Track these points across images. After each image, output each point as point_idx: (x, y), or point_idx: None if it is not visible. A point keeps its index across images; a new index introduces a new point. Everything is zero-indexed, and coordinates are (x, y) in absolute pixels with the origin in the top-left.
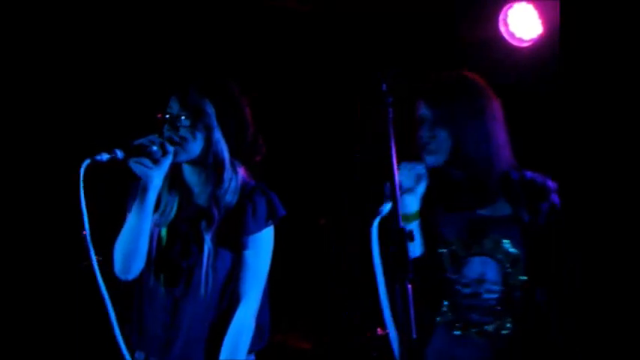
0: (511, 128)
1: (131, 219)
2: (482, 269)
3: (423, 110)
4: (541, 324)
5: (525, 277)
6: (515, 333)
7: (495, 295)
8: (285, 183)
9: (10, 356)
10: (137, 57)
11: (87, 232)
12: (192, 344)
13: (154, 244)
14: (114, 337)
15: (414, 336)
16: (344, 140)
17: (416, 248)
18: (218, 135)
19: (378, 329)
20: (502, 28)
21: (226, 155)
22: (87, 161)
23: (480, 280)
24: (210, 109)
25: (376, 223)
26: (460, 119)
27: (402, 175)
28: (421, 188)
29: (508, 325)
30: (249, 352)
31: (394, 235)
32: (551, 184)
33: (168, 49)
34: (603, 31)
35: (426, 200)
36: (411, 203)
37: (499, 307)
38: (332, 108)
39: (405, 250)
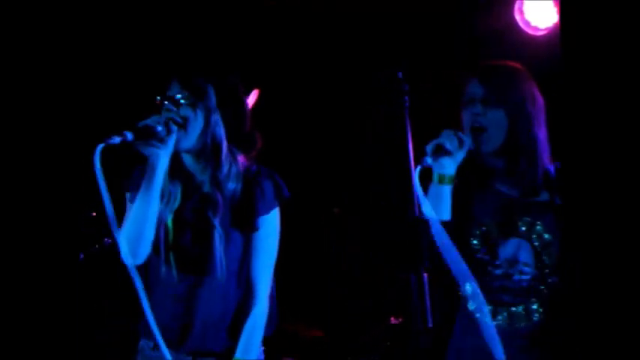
0: None
1: (138, 201)
2: (515, 251)
3: (477, 89)
4: (567, 315)
5: (558, 263)
6: (544, 318)
7: (527, 277)
8: (295, 176)
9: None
10: (130, 52)
11: (110, 214)
12: (209, 331)
13: (162, 234)
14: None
15: (430, 325)
16: (345, 139)
17: (445, 212)
18: (217, 117)
19: (392, 318)
20: (517, 17)
21: (224, 138)
22: (100, 145)
23: (513, 262)
24: (211, 92)
25: (418, 170)
26: (517, 100)
27: (444, 137)
28: (460, 156)
29: (536, 307)
30: None
31: (411, 224)
32: None
33: (169, 45)
34: (604, 27)
35: (463, 179)
36: (449, 166)
37: (530, 289)
38: (335, 105)
39: (421, 239)
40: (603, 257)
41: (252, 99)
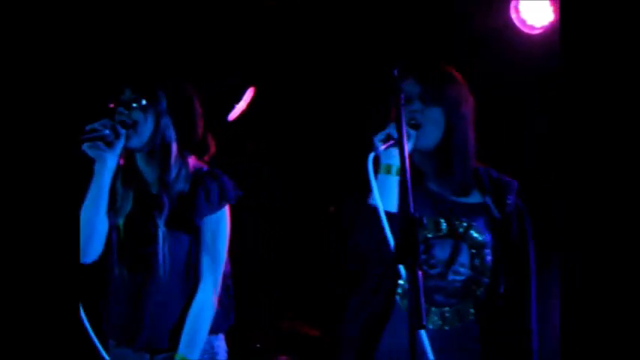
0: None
1: (86, 203)
2: (451, 251)
3: (414, 87)
4: (500, 315)
5: (491, 265)
6: (477, 320)
7: (461, 278)
8: (295, 176)
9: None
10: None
11: None
12: (158, 329)
13: (114, 236)
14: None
15: (424, 322)
16: (344, 139)
17: (391, 204)
18: (167, 121)
19: None
20: (513, 16)
21: (173, 141)
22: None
23: (449, 262)
24: (162, 97)
25: (371, 157)
26: (453, 99)
27: (392, 128)
28: (408, 146)
29: (469, 309)
30: (216, 332)
31: (404, 223)
32: (515, 183)
33: (166, 46)
34: (604, 26)
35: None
36: (396, 156)
37: (464, 291)
38: (334, 105)
39: (414, 238)
40: (602, 258)
41: (247, 97)
